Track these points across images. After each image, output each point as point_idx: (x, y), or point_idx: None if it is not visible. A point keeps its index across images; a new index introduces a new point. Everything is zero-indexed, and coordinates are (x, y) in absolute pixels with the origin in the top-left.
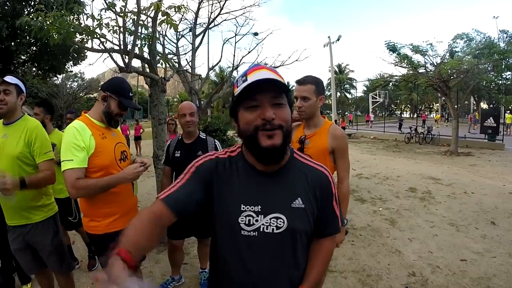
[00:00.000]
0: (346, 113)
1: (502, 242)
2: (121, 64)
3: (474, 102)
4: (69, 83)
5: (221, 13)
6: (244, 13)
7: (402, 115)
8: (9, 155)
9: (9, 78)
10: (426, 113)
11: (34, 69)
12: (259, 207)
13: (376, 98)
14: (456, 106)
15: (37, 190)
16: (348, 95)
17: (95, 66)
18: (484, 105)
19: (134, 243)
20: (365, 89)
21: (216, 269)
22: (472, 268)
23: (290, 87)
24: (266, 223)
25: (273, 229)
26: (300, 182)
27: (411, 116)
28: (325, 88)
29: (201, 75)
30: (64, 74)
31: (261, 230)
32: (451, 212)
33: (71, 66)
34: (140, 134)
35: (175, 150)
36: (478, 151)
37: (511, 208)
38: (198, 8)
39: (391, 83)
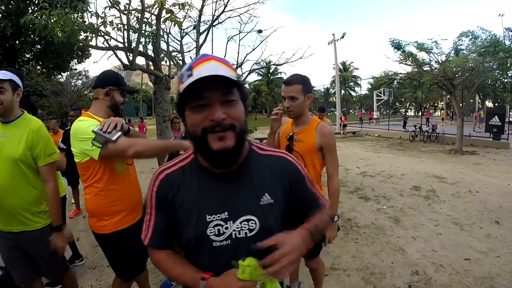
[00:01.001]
0: (355, 111)
1: (506, 241)
2: (126, 62)
3: (479, 101)
4: (73, 81)
5: (225, 10)
6: (248, 10)
7: (407, 113)
8: (8, 157)
9: (1, 75)
10: (431, 111)
11: (38, 67)
12: (226, 213)
13: (381, 96)
14: (461, 105)
15: (39, 194)
16: (353, 93)
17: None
18: (489, 104)
19: (194, 269)
20: (369, 87)
21: None
22: (476, 267)
23: (242, 81)
24: (237, 228)
25: (245, 233)
26: (264, 176)
27: (416, 114)
28: (329, 85)
29: (244, 77)
30: (68, 72)
31: (234, 236)
32: (455, 211)
33: (76, 64)
34: (145, 132)
35: None
36: (483, 150)
37: None
38: (202, 6)
39: (395, 81)
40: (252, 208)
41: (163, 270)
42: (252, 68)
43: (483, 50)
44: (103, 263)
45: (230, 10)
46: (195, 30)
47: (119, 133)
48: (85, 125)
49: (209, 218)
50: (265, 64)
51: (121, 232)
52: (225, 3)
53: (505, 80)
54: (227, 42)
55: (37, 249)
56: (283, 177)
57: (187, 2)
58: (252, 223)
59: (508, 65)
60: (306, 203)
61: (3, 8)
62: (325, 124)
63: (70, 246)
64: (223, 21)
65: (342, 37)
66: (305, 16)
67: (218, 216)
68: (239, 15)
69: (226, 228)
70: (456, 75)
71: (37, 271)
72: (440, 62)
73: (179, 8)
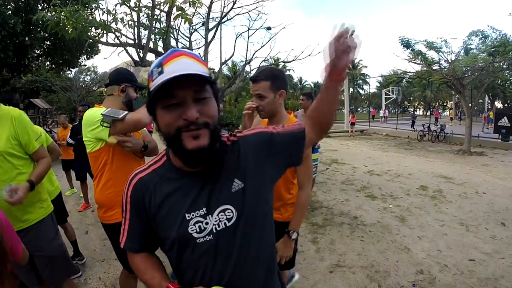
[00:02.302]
0: (364, 109)
1: (511, 243)
2: (136, 58)
3: (489, 101)
4: (82, 76)
5: (234, 7)
6: (257, 7)
7: (416, 112)
8: None
9: None
10: (439, 111)
11: (48, 63)
12: (204, 209)
13: (389, 95)
14: (470, 105)
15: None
16: (361, 91)
17: (108, 60)
18: (499, 105)
19: (164, 276)
20: (378, 85)
21: None
22: (480, 268)
23: (213, 77)
24: (216, 221)
25: (225, 223)
26: (232, 162)
27: (424, 113)
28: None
29: (214, 69)
30: (77, 68)
31: (214, 231)
32: (462, 211)
33: (85, 60)
34: (152, 129)
35: None
36: (491, 151)
37: None
38: (211, 2)
39: (404, 80)
40: (226, 197)
41: (136, 273)
42: (260, 65)
43: (493, 49)
44: (111, 256)
45: (239, 7)
46: (204, 27)
47: (125, 112)
48: (94, 110)
49: (189, 216)
50: (273, 61)
51: None
52: (234, 0)
53: None
54: (236, 39)
55: (40, 244)
56: (248, 155)
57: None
58: (228, 212)
59: None
60: (289, 146)
61: (13, 4)
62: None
63: (71, 244)
64: (232, 18)
65: (351, 35)
66: (315, 13)
67: (197, 213)
68: (248, 12)
69: (206, 223)
70: (466, 75)
71: (38, 279)
72: (450, 61)
73: (190, 5)
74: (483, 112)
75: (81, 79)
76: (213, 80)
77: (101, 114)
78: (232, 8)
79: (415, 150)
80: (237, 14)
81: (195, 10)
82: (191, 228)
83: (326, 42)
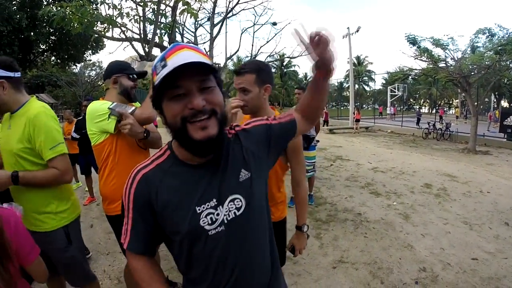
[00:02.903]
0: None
1: None
2: (142, 53)
3: (495, 100)
4: (87, 71)
5: (239, 2)
6: (262, 2)
7: (421, 110)
8: (10, 151)
9: None
10: (445, 109)
11: (53, 58)
12: (214, 200)
13: (395, 92)
14: (476, 103)
15: (45, 193)
16: (367, 88)
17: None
18: (505, 104)
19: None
20: (383, 82)
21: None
22: (483, 267)
23: (216, 67)
24: (226, 211)
25: (234, 212)
26: (237, 152)
27: (430, 111)
28: (343, 79)
29: (219, 64)
30: (82, 63)
31: (226, 221)
32: (466, 210)
33: (90, 55)
34: (157, 123)
35: None
36: (497, 150)
37: None
38: None
39: (410, 77)
40: (234, 187)
41: (138, 281)
42: (266, 61)
43: (500, 48)
44: (116, 249)
45: (245, 2)
46: (209, 22)
47: (133, 107)
48: (99, 103)
49: (199, 209)
50: (279, 56)
51: None
52: None
53: None
54: (241, 34)
55: (49, 252)
56: (250, 146)
57: None
58: (237, 201)
59: None
60: (283, 138)
61: (18, 0)
62: None
63: None
64: (237, 13)
65: (357, 31)
66: (322, 7)
67: (208, 205)
68: (253, 7)
69: (218, 214)
70: (472, 73)
71: (54, 270)
72: (456, 59)
73: (195, 0)
74: (489, 111)
75: (86, 74)
76: (216, 69)
77: (108, 108)
78: (237, 3)
79: (420, 147)
80: (243, 9)
81: (201, 5)
82: (203, 220)
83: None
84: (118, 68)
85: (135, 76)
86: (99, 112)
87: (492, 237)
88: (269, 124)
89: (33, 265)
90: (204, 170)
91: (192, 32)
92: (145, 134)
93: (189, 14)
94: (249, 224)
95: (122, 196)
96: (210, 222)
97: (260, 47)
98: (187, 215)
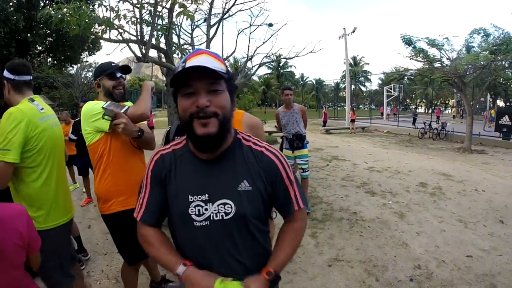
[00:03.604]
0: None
1: (509, 241)
2: (139, 54)
3: (491, 100)
4: (84, 73)
5: (235, 3)
6: (259, 3)
7: (417, 110)
8: None
9: None
10: (441, 109)
11: (49, 59)
12: (207, 195)
13: (391, 92)
14: (471, 103)
15: (21, 198)
16: (363, 88)
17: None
18: (500, 103)
19: (178, 254)
20: (380, 82)
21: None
22: (478, 264)
23: (230, 73)
24: (215, 210)
25: (222, 215)
26: (246, 164)
27: (426, 111)
28: (339, 80)
29: (235, 72)
30: (79, 64)
31: (211, 218)
32: (460, 208)
33: (87, 56)
34: (153, 124)
35: (175, 135)
36: (492, 149)
37: None
38: None
39: (406, 77)
40: (229, 192)
41: (149, 245)
42: (262, 62)
43: (495, 48)
44: (113, 249)
45: (241, 3)
46: (205, 23)
47: (126, 106)
48: (93, 103)
49: (191, 199)
50: (275, 57)
51: (126, 213)
52: None
53: None
54: (238, 35)
55: None
56: (262, 172)
57: None
58: (228, 207)
59: None
60: (282, 200)
61: (15, 1)
62: (251, 115)
63: (75, 240)
64: (234, 14)
65: (353, 31)
66: (319, 8)
67: (199, 197)
68: (249, 8)
69: (206, 209)
70: (467, 73)
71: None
72: (451, 59)
73: (192, 2)
74: (484, 111)
75: (82, 75)
76: (229, 76)
77: (102, 107)
78: (234, 4)
79: (416, 147)
80: (239, 11)
81: (197, 6)
82: (191, 210)
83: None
84: (98, 72)
85: (117, 74)
86: (93, 111)
87: (487, 235)
88: (283, 174)
89: (36, 253)
90: (208, 166)
91: (188, 33)
92: (139, 133)
93: (185, 16)
94: (233, 231)
95: (144, 175)
96: (197, 213)
97: (257, 48)
98: (180, 199)
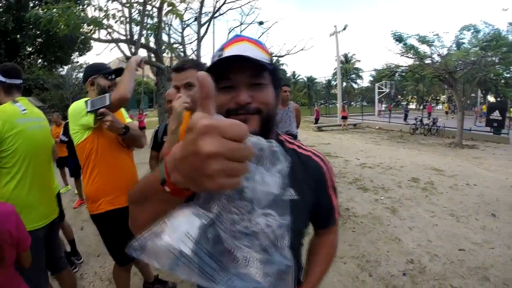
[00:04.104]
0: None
1: (501, 234)
2: (128, 54)
3: (481, 95)
4: (74, 73)
5: (226, 1)
6: (249, 1)
7: (408, 106)
8: None
9: None
10: (432, 105)
11: (40, 60)
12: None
13: (383, 89)
14: (462, 99)
15: None
16: (354, 85)
17: (100, 56)
18: (491, 98)
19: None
20: (371, 79)
21: None
22: (470, 258)
23: (275, 64)
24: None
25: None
26: (291, 169)
27: (417, 107)
28: (331, 77)
29: (206, 63)
30: (70, 65)
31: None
32: (452, 203)
33: (77, 56)
34: (144, 124)
35: (163, 135)
36: (483, 144)
37: None
38: None
39: (397, 74)
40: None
41: (132, 198)
42: None
43: (485, 44)
44: (106, 251)
45: (232, 2)
46: (196, 22)
47: (107, 95)
48: (78, 102)
49: None
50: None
51: (115, 212)
52: None
53: (508, 75)
54: (228, 33)
55: None
56: (309, 179)
57: None
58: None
59: (511, 59)
60: (324, 210)
61: (4, 2)
62: None
63: (69, 243)
64: (224, 13)
65: (344, 29)
66: (309, 6)
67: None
68: (240, 7)
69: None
70: (458, 69)
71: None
72: (442, 55)
73: (180, 1)
74: (475, 106)
75: (73, 76)
76: (274, 68)
77: (85, 101)
78: (224, 2)
79: (408, 143)
80: (230, 9)
81: (188, 5)
82: None
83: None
84: (93, 70)
85: (112, 75)
86: (78, 109)
87: (479, 228)
88: (326, 179)
89: (27, 251)
90: None
91: (179, 32)
92: (124, 130)
93: (174, 15)
94: None
95: None
96: None
97: None
98: None
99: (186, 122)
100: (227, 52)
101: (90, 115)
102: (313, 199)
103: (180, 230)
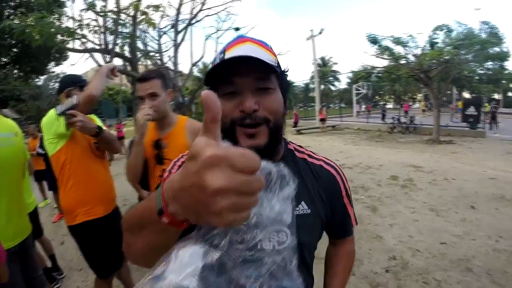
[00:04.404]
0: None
1: (481, 225)
2: (103, 63)
3: (457, 92)
4: (51, 84)
5: (202, 9)
6: (226, 8)
7: (386, 106)
8: None
9: None
10: (409, 104)
11: (15, 71)
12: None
13: (360, 90)
14: (438, 96)
15: None
16: (332, 88)
17: (77, 66)
18: (467, 95)
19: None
20: (349, 81)
21: None
22: (452, 250)
23: (282, 67)
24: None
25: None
26: (302, 182)
27: (395, 106)
28: (309, 80)
29: (181, 71)
30: (46, 75)
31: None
32: (432, 198)
33: (53, 66)
34: (123, 134)
35: None
36: (460, 139)
37: (491, 192)
38: (180, 4)
39: (373, 75)
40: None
41: (127, 223)
42: None
43: (458, 43)
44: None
45: (208, 9)
46: (173, 29)
47: (75, 96)
48: (49, 113)
49: None
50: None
51: (92, 223)
52: (203, 1)
53: (482, 72)
54: (205, 40)
55: None
56: (321, 190)
57: (161, 4)
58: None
59: (482, 57)
60: (340, 220)
61: None
62: (195, 120)
63: (49, 258)
64: (201, 20)
65: (320, 33)
66: (287, 11)
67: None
68: (216, 13)
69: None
70: (432, 68)
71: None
72: (416, 55)
73: (154, 10)
74: (451, 103)
75: (50, 87)
76: (281, 71)
77: (57, 113)
78: (201, 9)
79: (386, 142)
80: (206, 16)
81: (163, 12)
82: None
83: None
84: (69, 82)
85: (84, 87)
86: (50, 118)
87: (459, 221)
88: (342, 191)
89: (2, 266)
90: None
91: (156, 40)
92: (97, 130)
93: (147, 24)
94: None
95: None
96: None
97: None
98: None
99: (150, 133)
100: (230, 55)
101: (61, 119)
102: (326, 210)
103: (185, 268)
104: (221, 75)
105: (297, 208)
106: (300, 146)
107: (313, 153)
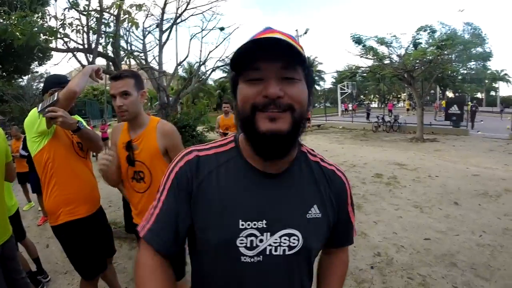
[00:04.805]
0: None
1: (465, 221)
2: (85, 63)
3: (441, 91)
4: (35, 84)
5: (187, 8)
6: (211, 8)
7: (370, 105)
8: None
9: None
10: (394, 103)
11: None
12: (264, 222)
13: (345, 89)
14: (421, 95)
15: None
16: (317, 87)
17: (60, 66)
18: (450, 94)
19: None
20: (333, 80)
21: None
22: (436, 246)
23: (311, 61)
24: (275, 243)
25: (284, 250)
26: (315, 185)
27: (379, 106)
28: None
29: (165, 71)
30: (29, 75)
31: (268, 253)
32: (416, 195)
33: (37, 66)
34: (108, 135)
35: None
36: (444, 137)
37: (474, 189)
38: (165, 4)
39: (357, 74)
40: (298, 220)
41: (137, 277)
42: (216, 65)
43: (441, 43)
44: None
45: (193, 8)
46: (158, 29)
47: (56, 93)
48: (30, 113)
49: (243, 225)
50: (229, 60)
51: (75, 223)
52: (188, 1)
53: (465, 71)
54: (190, 39)
55: None
56: (332, 195)
57: (144, 3)
58: (294, 239)
59: (465, 57)
60: (342, 228)
61: None
62: (166, 122)
63: (34, 262)
64: (186, 19)
65: (305, 33)
66: (273, 10)
67: (254, 224)
68: (202, 13)
69: (261, 240)
70: (416, 68)
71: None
72: (400, 55)
73: (137, 9)
74: (435, 102)
75: (34, 87)
76: (309, 63)
77: (38, 111)
78: (186, 9)
79: (370, 140)
80: (192, 15)
81: (148, 12)
82: (241, 240)
83: None
84: (54, 82)
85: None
86: (32, 117)
87: (443, 217)
88: (348, 196)
89: None
90: (267, 182)
91: (141, 39)
92: (77, 126)
93: (130, 23)
94: (295, 270)
95: (163, 176)
96: (249, 245)
97: (209, 52)
98: (226, 225)
99: (123, 134)
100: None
101: (42, 117)
102: (334, 216)
103: None
104: (247, 59)
105: (309, 212)
106: (313, 150)
107: (324, 158)
